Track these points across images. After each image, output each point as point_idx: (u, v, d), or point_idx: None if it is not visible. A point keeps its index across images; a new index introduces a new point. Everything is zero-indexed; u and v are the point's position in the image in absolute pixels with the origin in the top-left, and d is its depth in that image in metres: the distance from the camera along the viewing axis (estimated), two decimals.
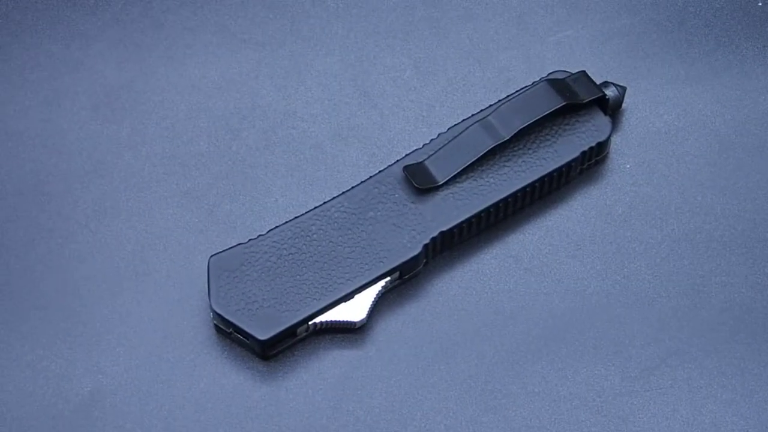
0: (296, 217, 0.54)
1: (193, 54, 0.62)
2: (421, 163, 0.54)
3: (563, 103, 0.55)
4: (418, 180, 0.54)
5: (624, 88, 0.56)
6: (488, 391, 0.52)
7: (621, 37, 0.60)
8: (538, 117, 0.54)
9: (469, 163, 0.54)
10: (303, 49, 0.62)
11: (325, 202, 0.54)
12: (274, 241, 0.53)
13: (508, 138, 0.54)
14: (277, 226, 0.53)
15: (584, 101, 0.55)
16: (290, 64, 0.62)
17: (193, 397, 0.52)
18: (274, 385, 0.52)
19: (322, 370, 0.53)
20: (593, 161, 0.56)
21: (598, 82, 0.56)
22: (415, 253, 0.52)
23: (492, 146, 0.54)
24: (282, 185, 0.57)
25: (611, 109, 0.56)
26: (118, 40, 0.63)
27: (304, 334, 0.52)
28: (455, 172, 0.54)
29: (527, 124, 0.54)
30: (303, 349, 0.52)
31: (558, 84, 0.55)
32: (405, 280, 0.54)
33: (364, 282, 0.52)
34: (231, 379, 0.52)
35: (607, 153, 0.57)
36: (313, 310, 0.51)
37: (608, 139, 0.56)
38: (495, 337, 0.53)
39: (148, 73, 0.62)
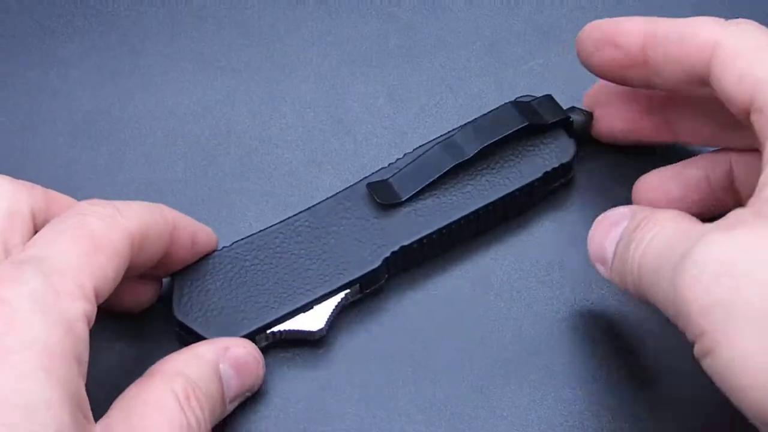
0: (260, 231, 0.54)
1: (170, 81, 0.63)
2: (385, 180, 0.55)
3: (525, 124, 0.55)
4: (381, 196, 0.54)
5: (590, 114, 0.56)
6: (457, 414, 0.52)
7: None
8: (500, 137, 0.55)
9: (431, 180, 0.54)
10: (278, 77, 0.63)
11: (289, 217, 0.54)
12: (237, 253, 0.53)
13: (469, 157, 0.54)
14: (241, 239, 0.54)
15: (548, 123, 0.56)
16: (265, 91, 0.62)
17: None
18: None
19: (285, 393, 0.53)
20: (558, 184, 0.56)
21: (566, 108, 0.57)
22: (375, 266, 0.53)
23: (453, 165, 0.54)
24: (257, 210, 0.58)
25: (577, 133, 0.57)
26: (96, 66, 0.63)
27: (264, 342, 0.52)
28: (417, 189, 0.54)
29: (489, 143, 0.54)
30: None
31: (523, 106, 0.56)
32: (366, 293, 0.54)
33: (323, 293, 0.52)
34: None
35: (572, 177, 0.57)
36: (272, 319, 0.51)
37: (572, 160, 0.56)
38: (464, 360, 0.53)
39: (125, 100, 0.62)
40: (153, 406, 0.45)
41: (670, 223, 0.45)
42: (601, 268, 0.50)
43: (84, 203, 0.47)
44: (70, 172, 0.59)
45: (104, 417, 0.43)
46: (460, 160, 0.54)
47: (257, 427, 0.52)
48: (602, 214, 0.50)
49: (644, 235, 0.45)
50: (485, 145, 0.54)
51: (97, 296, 0.43)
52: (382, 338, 0.54)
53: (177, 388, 0.45)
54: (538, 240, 0.57)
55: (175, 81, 0.63)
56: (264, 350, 0.52)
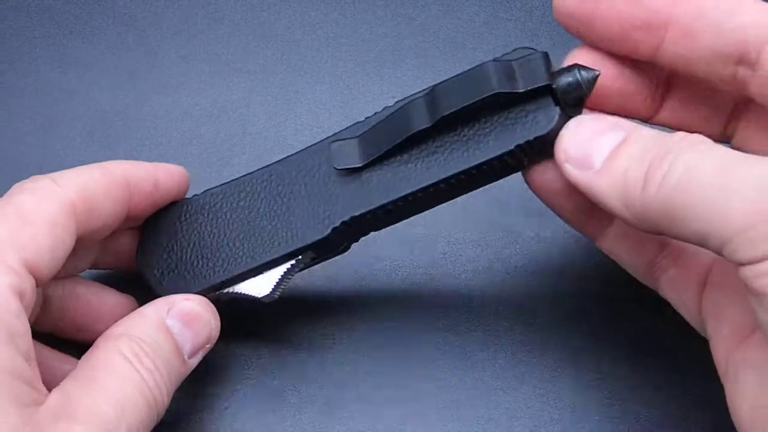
0: (228, 181, 0.53)
1: (186, 82, 0.63)
2: (350, 139, 0.50)
3: (493, 92, 0.46)
4: (339, 160, 0.49)
5: (592, 76, 0.46)
6: (469, 415, 0.52)
7: None
8: (457, 108, 0.47)
9: (390, 147, 0.48)
10: (293, 78, 0.63)
11: (257, 170, 0.52)
12: (205, 201, 0.52)
13: (430, 125, 0.47)
14: (210, 188, 0.53)
15: (518, 92, 0.46)
16: (280, 93, 0.63)
17: None
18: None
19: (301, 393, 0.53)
20: (536, 158, 0.48)
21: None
22: (323, 236, 0.49)
23: (413, 132, 0.48)
24: None
25: (568, 100, 0.46)
26: (113, 67, 0.64)
27: (214, 301, 0.51)
28: (375, 156, 0.49)
29: (446, 114, 0.47)
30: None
31: (500, 67, 0.46)
32: (321, 260, 0.52)
33: (272, 258, 0.50)
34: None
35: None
36: (220, 280, 0.50)
37: (549, 133, 0.46)
38: (476, 361, 0.54)
39: (141, 101, 0.63)
40: (103, 368, 0.44)
41: (723, 148, 0.40)
42: (579, 173, 0.44)
43: (18, 183, 0.47)
44: None
45: (58, 386, 0.43)
46: (420, 128, 0.47)
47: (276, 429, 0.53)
48: (577, 118, 0.45)
49: (690, 151, 0.40)
50: (443, 116, 0.47)
51: (32, 268, 0.43)
52: (391, 338, 0.55)
53: (123, 347, 0.45)
54: (552, 242, 0.57)
55: (191, 82, 0.63)
56: (276, 349, 0.53)
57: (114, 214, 0.49)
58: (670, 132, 0.42)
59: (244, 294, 0.51)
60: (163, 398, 0.46)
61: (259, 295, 0.50)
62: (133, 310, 0.50)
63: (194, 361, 0.49)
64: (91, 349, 0.46)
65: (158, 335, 0.47)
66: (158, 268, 0.51)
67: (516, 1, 0.65)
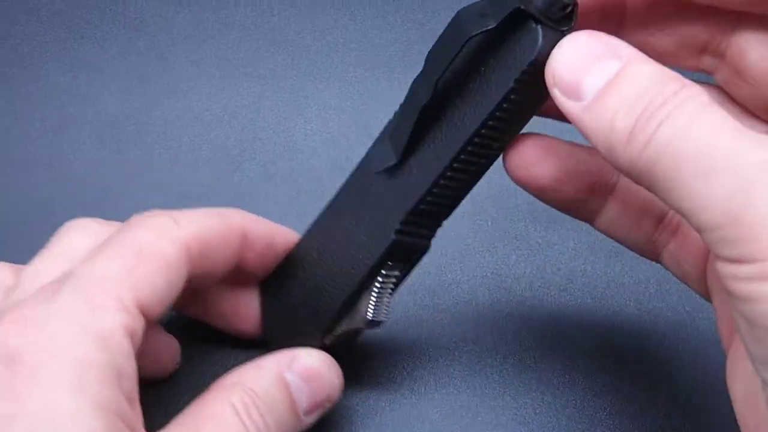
0: (308, 229, 0.51)
1: (196, 86, 0.64)
2: (380, 143, 0.48)
3: (467, 38, 0.42)
4: (376, 164, 0.47)
5: None
6: (479, 420, 0.52)
7: None
8: (447, 64, 0.43)
9: (410, 131, 0.45)
10: (303, 83, 0.63)
11: (324, 209, 0.50)
12: (295, 253, 0.51)
13: (431, 96, 0.44)
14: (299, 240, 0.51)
15: (489, 27, 0.41)
16: (290, 97, 0.63)
17: None
18: None
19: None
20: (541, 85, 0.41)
21: None
22: (390, 242, 0.46)
23: (419, 111, 0.44)
24: (281, 216, 0.58)
25: (552, 16, 0.41)
26: (124, 71, 0.64)
27: (335, 348, 0.49)
28: (404, 145, 0.46)
29: (439, 75, 0.43)
30: None
31: (474, 8, 0.42)
32: (410, 267, 0.49)
33: (354, 286, 0.48)
34: None
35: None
36: (324, 326, 0.49)
37: (537, 57, 0.40)
38: (486, 367, 0.53)
39: (152, 105, 0.63)
40: (209, 417, 0.43)
41: (717, 111, 0.36)
42: (567, 102, 0.39)
43: (139, 215, 0.46)
44: (98, 175, 0.60)
45: (163, 430, 0.42)
46: (423, 103, 0.44)
47: None
48: (569, 36, 0.39)
49: (681, 113, 0.36)
50: (435, 81, 0.43)
51: (144, 308, 0.42)
52: (399, 342, 0.54)
53: (234, 398, 0.44)
54: (560, 247, 0.57)
55: (201, 87, 0.64)
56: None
57: (225, 264, 0.48)
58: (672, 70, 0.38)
59: (351, 330, 0.49)
60: None
61: (363, 325, 0.48)
62: (175, 351, 0.50)
63: (310, 420, 0.47)
64: (202, 395, 0.45)
65: (274, 389, 0.46)
66: (279, 332, 0.51)
67: None
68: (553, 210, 0.55)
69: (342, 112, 0.62)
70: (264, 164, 0.60)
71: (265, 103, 0.63)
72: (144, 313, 0.42)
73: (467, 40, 0.42)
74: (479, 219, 0.58)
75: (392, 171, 0.47)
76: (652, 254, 0.47)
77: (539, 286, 0.56)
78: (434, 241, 0.54)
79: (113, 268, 0.42)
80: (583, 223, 0.56)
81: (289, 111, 0.62)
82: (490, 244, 0.57)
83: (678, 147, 0.35)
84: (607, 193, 0.46)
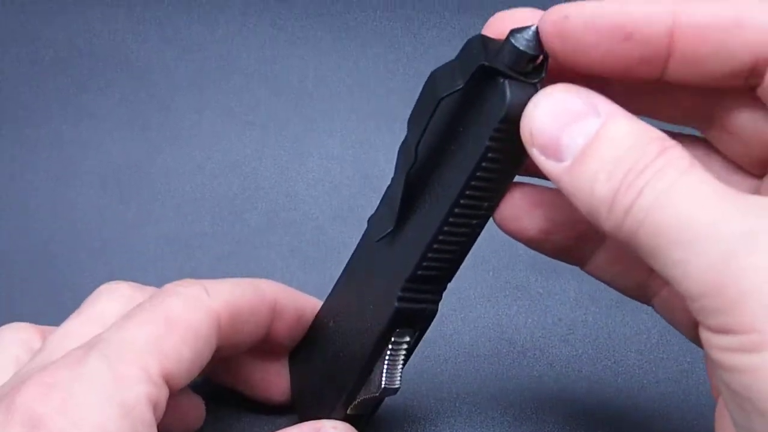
0: (328, 297, 0.51)
1: (199, 135, 0.64)
2: (376, 213, 0.48)
3: (437, 101, 0.41)
4: (375, 234, 0.47)
5: (530, 30, 0.39)
6: None
7: None
8: (423, 128, 0.42)
9: (401, 197, 0.44)
10: (305, 131, 0.64)
11: (339, 276, 0.50)
12: (318, 324, 0.51)
13: (413, 160, 0.43)
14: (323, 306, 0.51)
15: (459, 88, 0.40)
16: (293, 146, 0.63)
17: None
18: None
19: None
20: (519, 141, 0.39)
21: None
22: (394, 310, 0.45)
23: (406, 174, 0.43)
24: (283, 266, 0.58)
25: (520, 70, 0.39)
26: (126, 120, 0.64)
27: (356, 418, 0.49)
28: (397, 213, 0.45)
29: (417, 138, 0.42)
30: None
31: (445, 68, 0.42)
32: (419, 333, 0.48)
33: (367, 356, 0.47)
34: None
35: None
36: (345, 396, 0.48)
37: (507, 114, 0.39)
38: (486, 418, 0.53)
39: (154, 153, 0.63)
40: None
41: (699, 175, 0.35)
42: (547, 162, 0.37)
43: (171, 284, 0.46)
44: (101, 224, 0.60)
45: None
46: (407, 167, 0.43)
47: None
48: (545, 91, 0.37)
49: (661, 180, 0.35)
50: (416, 145, 0.43)
51: (170, 378, 0.42)
52: (406, 395, 0.54)
53: None
54: (561, 297, 0.57)
55: (203, 135, 0.64)
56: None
57: (255, 334, 0.48)
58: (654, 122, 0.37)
59: (369, 398, 0.48)
60: None
61: (378, 393, 0.47)
62: (200, 411, 0.50)
63: None
64: None
65: None
66: (305, 399, 0.50)
67: None
68: (554, 260, 0.55)
69: (344, 161, 0.62)
70: (266, 213, 0.60)
71: (267, 152, 0.63)
72: (169, 383, 0.42)
73: (438, 102, 0.41)
74: (480, 269, 0.58)
75: (391, 238, 0.46)
76: (644, 299, 0.46)
77: (540, 337, 0.56)
78: None
79: (141, 337, 0.42)
80: (583, 273, 0.56)
81: (291, 160, 0.63)
82: (491, 295, 0.57)
83: (658, 215, 0.34)
84: (598, 241, 0.44)
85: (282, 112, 0.64)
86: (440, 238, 0.44)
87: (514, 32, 0.39)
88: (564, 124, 0.37)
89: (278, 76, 0.66)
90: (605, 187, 0.35)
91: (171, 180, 0.62)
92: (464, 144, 0.42)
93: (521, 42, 0.38)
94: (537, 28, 0.38)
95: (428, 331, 0.55)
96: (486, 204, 0.43)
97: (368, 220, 0.48)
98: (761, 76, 0.37)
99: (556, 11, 0.37)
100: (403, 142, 0.45)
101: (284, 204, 0.61)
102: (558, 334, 0.56)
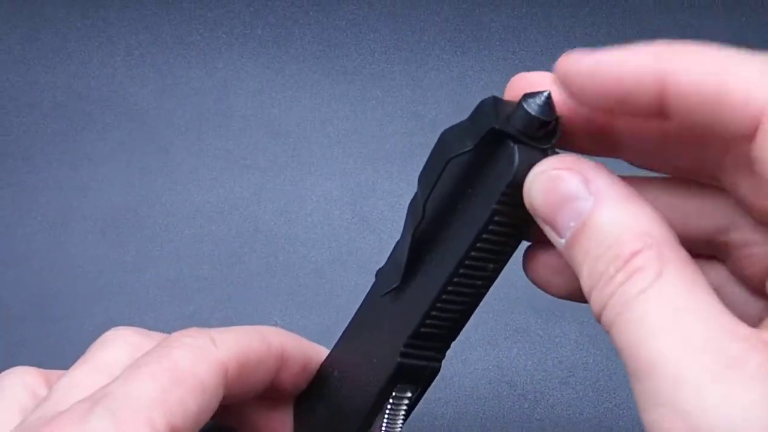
0: (334, 347, 0.50)
1: (197, 178, 0.64)
2: (384, 268, 0.47)
3: (446, 161, 0.41)
4: (381, 289, 0.46)
5: (543, 96, 0.39)
6: None
7: None
8: (431, 186, 0.42)
9: (408, 254, 0.44)
10: (303, 174, 0.64)
11: (346, 328, 0.49)
12: (322, 375, 0.50)
13: (421, 217, 0.42)
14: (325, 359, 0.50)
15: (465, 151, 0.40)
16: (291, 189, 0.63)
17: None
18: None
19: None
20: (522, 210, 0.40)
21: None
22: (395, 365, 0.45)
23: (413, 230, 0.43)
24: (282, 308, 0.58)
25: (532, 135, 0.39)
26: (125, 164, 0.64)
27: None
28: (404, 269, 0.44)
29: (426, 196, 0.42)
30: None
31: (457, 129, 0.42)
32: (421, 392, 0.46)
33: (366, 411, 0.46)
34: None
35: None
36: None
37: (515, 178, 0.39)
38: None
39: (153, 197, 0.63)
40: None
41: (670, 286, 0.33)
42: (550, 232, 0.37)
43: (177, 333, 0.45)
44: (99, 268, 0.60)
45: None
46: (416, 224, 0.43)
47: None
48: (545, 167, 0.37)
49: (630, 288, 0.34)
50: (423, 203, 0.42)
51: (194, 425, 0.41)
52: None
53: None
54: (561, 340, 0.57)
55: (202, 179, 0.64)
56: None
57: (261, 383, 0.47)
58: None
59: None
60: None
61: None
62: None
63: None
64: None
65: None
66: None
67: None
68: (555, 303, 0.55)
69: (342, 204, 0.63)
70: (265, 256, 0.60)
71: (266, 195, 0.63)
72: None
73: (447, 162, 0.40)
74: (480, 312, 0.57)
75: (397, 293, 0.46)
76: None
77: (541, 379, 0.56)
78: None
79: (147, 390, 0.41)
80: (585, 315, 0.56)
81: (290, 203, 0.63)
82: (492, 338, 0.57)
83: (620, 328, 0.34)
84: None
85: (280, 156, 0.65)
86: (444, 297, 0.43)
87: (527, 96, 0.39)
88: (557, 205, 0.36)
89: (276, 119, 0.66)
90: (587, 282, 0.35)
91: (170, 223, 0.62)
92: (472, 205, 0.41)
93: (533, 107, 0.38)
94: (550, 93, 0.38)
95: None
96: (492, 266, 0.43)
97: (376, 273, 0.48)
98: (752, 139, 0.35)
99: (566, 63, 0.37)
100: (413, 199, 0.44)
101: (283, 247, 0.61)
102: (558, 376, 0.56)
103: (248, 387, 0.46)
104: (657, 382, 0.32)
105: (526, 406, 0.55)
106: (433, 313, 0.44)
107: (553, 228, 0.37)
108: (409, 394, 0.46)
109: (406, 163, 0.64)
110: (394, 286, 0.45)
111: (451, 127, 0.41)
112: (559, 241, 0.37)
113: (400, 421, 0.47)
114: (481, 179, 0.41)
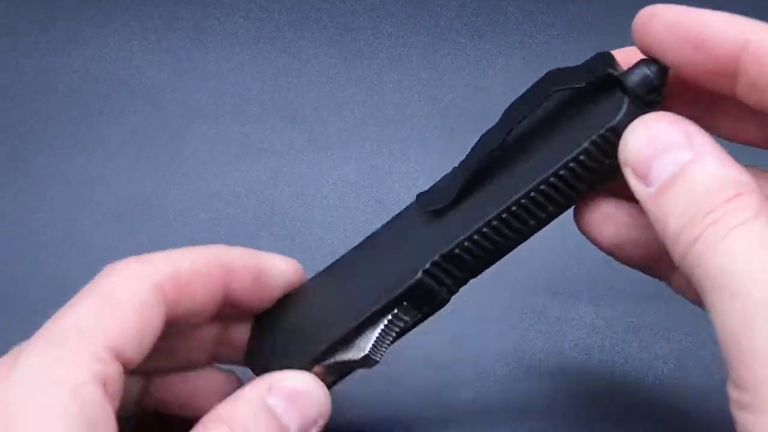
0: (334, 262, 0.51)
1: (214, 163, 0.64)
2: (432, 187, 0.48)
3: (550, 91, 0.43)
4: (426, 204, 0.47)
5: (662, 68, 0.42)
6: None
7: None
8: (526, 113, 0.44)
9: (470, 175, 0.45)
10: (320, 158, 0.64)
11: (358, 244, 0.50)
12: (304, 289, 0.50)
13: (501, 142, 0.44)
14: (317, 274, 0.51)
15: (577, 86, 0.43)
16: (308, 173, 0.63)
17: None
18: None
19: None
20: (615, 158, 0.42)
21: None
22: (413, 281, 0.45)
23: (486, 153, 0.45)
24: None
25: (639, 94, 0.42)
26: (141, 148, 0.64)
27: (328, 377, 0.47)
28: (459, 189, 0.45)
29: (522, 118, 0.44)
30: None
31: (565, 70, 0.44)
32: (423, 317, 0.47)
33: (363, 317, 0.46)
34: None
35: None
36: (320, 352, 0.46)
37: (618, 124, 0.41)
38: None
39: (169, 182, 0.63)
40: None
41: (761, 230, 0.36)
42: (637, 184, 0.40)
43: (112, 263, 0.45)
44: (115, 254, 0.59)
45: None
46: (491, 149, 0.44)
47: None
48: (650, 116, 0.40)
49: (722, 226, 0.36)
50: (509, 129, 0.44)
51: (119, 353, 0.41)
52: (417, 419, 0.54)
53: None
54: (578, 323, 0.57)
55: (218, 163, 0.64)
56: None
57: (207, 299, 0.47)
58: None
59: (344, 361, 0.47)
60: None
61: (357, 358, 0.46)
62: (235, 385, 0.49)
63: None
64: None
65: (258, 416, 0.43)
66: (265, 360, 0.48)
67: None
68: (572, 286, 0.56)
69: (359, 188, 0.62)
70: (281, 239, 0.60)
71: (282, 179, 0.63)
72: (120, 358, 0.41)
73: (552, 93, 0.43)
74: (498, 294, 0.58)
75: (437, 214, 0.46)
76: None
77: (558, 363, 0.56)
78: (453, 316, 0.54)
79: (84, 320, 0.42)
80: (601, 298, 0.56)
81: (306, 186, 0.62)
82: (509, 320, 0.57)
83: (709, 260, 0.36)
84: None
85: (297, 140, 0.64)
86: (494, 223, 0.44)
87: (646, 60, 0.42)
88: (658, 151, 0.39)
89: (293, 103, 0.66)
90: (677, 222, 0.37)
91: (186, 207, 0.62)
92: (558, 139, 0.43)
93: (652, 70, 0.41)
94: (668, 67, 0.41)
95: (447, 354, 0.55)
96: (551, 208, 0.44)
97: (417, 196, 0.48)
98: None
99: (649, 9, 0.41)
100: (491, 129, 0.46)
101: (299, 230, 0.61)
102: (575, 359, 0.56)
103: (194, 304, 0.46)
104: (735, 306, 0.35)
105: (543, 388, 0.55)
106: (475, 237, 0.45)
107: (643, 176, 0.39)
108: (407, 318, 0.47)
109: (423, 147, 0.64)
110: (443, 204, 0.46)
111: (558, 68, 0.44)
112: (645, 191, 0.39)
113: (389, 341, 0.47)
114: (576, 118, 0.43)
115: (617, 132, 0.41)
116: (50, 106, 0.66)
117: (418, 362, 0.55)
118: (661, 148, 0.39)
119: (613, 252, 0.45)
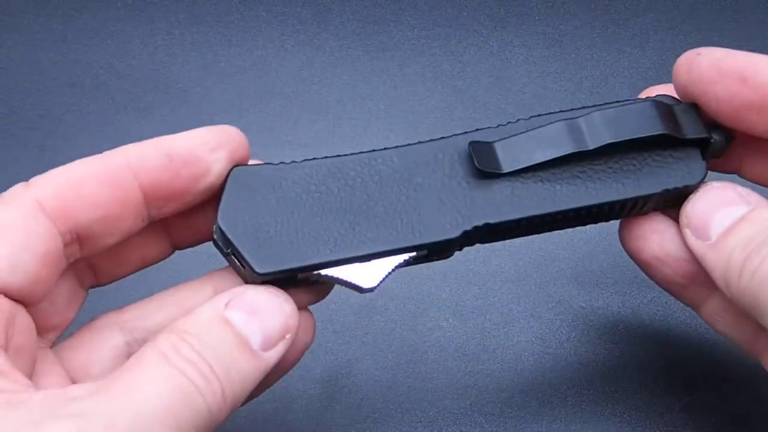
0: (337, 156, 0.48)
1: None
2: (490, 143, 0.47)
3: (663, 132, 0.46)
4: (481, 161, 0.46)
5: (731, 137, 0.47)
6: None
7: None
8: (632, 137, 0.46)
9: (541, 161, 0.46)
10: (344, 150, 0.63)
11: (373, 150, 0.48)
12: (306, 173, 0.47)
13: (591, 149, 0.46)
14: (314, 158, 0.48)
15: (686, 137, 0.46)
16: None
17: None
18: None
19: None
20: (670, 204, 0.47)
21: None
22: (453, 236, 0.45)
23: (571, 152, 0.46)
24: None
25: (711, 155, 0.47)
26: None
27: (306, 282, 0.46)
28: (523, 166, 0.46)
29: (617, 140, 0.46)
30: None
31: (664, 109, 0.46)
32: (431, 260, 0.47)
33: (387, 248, 0.45)
34: None
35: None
36: (323, 260, 0.44)
37: (698, 185, 0.46)
38: (534, 429, 0.54)
39: None
40: (138, 366, 0.39)
41: None
42: (696, 242, 0.45)
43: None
44: None
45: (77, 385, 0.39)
46: (580, 150, 0.46)
47: None
48: (709, 185, 0.45)
49: None
50: (612, 142, 0.46)
51: (7, 288, 0.40)
52: (443, 408, 0.54)
53: (163, 345, 0.40)
54: (603, 312, 0.57)
55: None
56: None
57: (114, 199, 0.44)
58: None
59: (346, 281, 0.45)
60: (221, 395, 0.40)
61: (364, 286, 0.45)
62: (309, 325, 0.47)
63: (273, 354, 0.42)
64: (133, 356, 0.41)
65: (212, 328, 0.41)
66: (248, 231, 0.45)
67: (565, 72, 0.66)
68: (597, 275, 0.55)
69: None
70: None
71: None
72: (8, 293, 0.41)
73: (659, 135, 0.46)
74: (523, 284, 0.58)
75: (488, 175, 0.46)
76: (753, 353, 0.47)
77: (584, 352, 0.56)
78: (477, 306, 0.55)
79: None
80: (626, 287, 0.56)
81: None
82: (534, 310, 0.57)
83: None
84: (709, 288, 0.47)
85: (321, 132, 0.65)
86: (547, 218, 0.46)
87: (719, 129, 0.46)
88: (716, 208, 0.44)
89: (317, 96, 0.66)
90: (739, 257, 0.42)
91: None
92: (632, 172, 0.47)
93: (722, 137, 0.46)
94: (733, 137, 0.46)
95: (473, 345, 0.55)
96: (600, 220, 0.48)
97: (470, 143, 0.47)
98: None
99: (694, 50, 0.45)
100: (581, 120, 0.46)
101: None
102: (602, 348, 0.56)
103: (98, 209, 0.44)
104: None
105: (568, 377, 0.55)
106: (524, 222, 0.46)
107: (704, 231, 0.44)
108: (415, 258, 0.46)
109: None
110: (498, 171, 0.46)
111: (658, 103, 0.46)
112: (702, 245, 0.44)
113: (389, 269, 0.46)
114: (653, 159, 0.47)
115: (690, 190, 0.46)
116: (75, 99, 0.67)
117: (445, 354, 0.56)
118: (718, 205, 0.44)
119: (651, 265, 0.47)
